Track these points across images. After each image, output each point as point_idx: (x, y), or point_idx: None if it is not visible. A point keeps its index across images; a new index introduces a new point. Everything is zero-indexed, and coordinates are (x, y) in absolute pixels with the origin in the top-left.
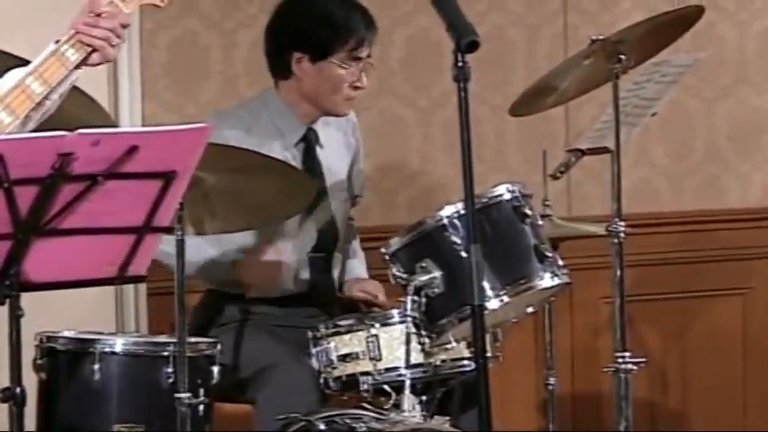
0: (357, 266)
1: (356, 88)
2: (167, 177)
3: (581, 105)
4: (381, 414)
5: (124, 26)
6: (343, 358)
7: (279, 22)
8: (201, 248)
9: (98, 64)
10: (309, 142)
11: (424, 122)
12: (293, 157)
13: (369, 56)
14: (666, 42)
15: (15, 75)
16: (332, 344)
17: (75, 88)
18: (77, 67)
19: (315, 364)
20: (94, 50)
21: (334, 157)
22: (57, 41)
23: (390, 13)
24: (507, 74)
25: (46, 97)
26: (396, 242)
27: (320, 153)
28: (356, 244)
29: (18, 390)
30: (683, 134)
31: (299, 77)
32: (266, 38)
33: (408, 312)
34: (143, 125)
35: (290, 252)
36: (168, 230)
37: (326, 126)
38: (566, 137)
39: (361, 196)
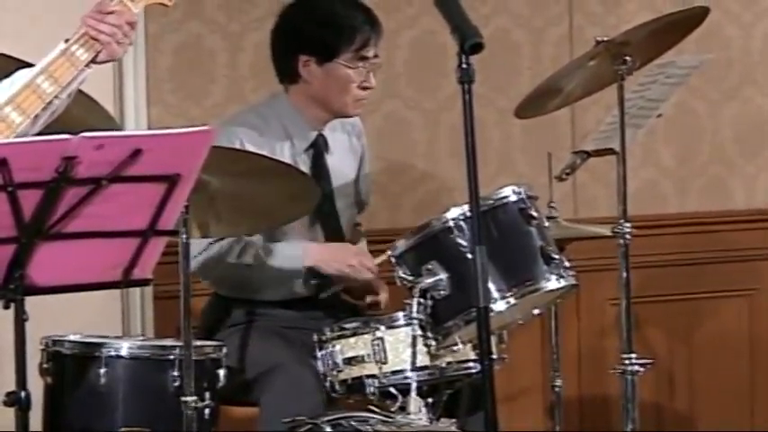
0: None
1: (365, 89)
2: (171, 180)
3: (586, 107)
4: (388, 417)
5: (131, 24)
6: (349, 361)
7: (284, 26)
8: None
9: (105, 62)
10: (318, 148)
11: (429, 125)
12: (303, 163)
13: (376, 56)
14: (672, 44)
15: (24, 74)
16: (337, 347)
17: (80, 92)
18: (87, 66)
19: (320, 367)
20: (102, 48)
21: (342, 162)
22: (66, 41)
23: (395, 16)
24: (512, 76)
25: (56, 96)
26: (402, 244)
27: (328, 158)
28: (363, 245)
29: (23, 394)
30: (688, 136)
31: (307, 81)
32: (272, 42)
33: (414, 315)
34: (149, 129)
35: None
36: (173, 234)
37: (333, 131)
38: (571, 139)
39: (368, 204)
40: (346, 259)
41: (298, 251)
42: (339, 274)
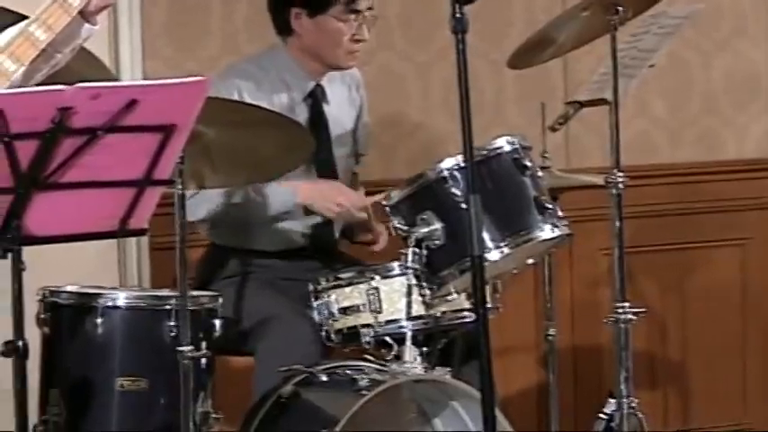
0: None
1: (357, 41)
2: (167, 131)
3: (579, 58)
4: (383, 366)
5: None
6: (345, 311)
7: None
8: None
9: (101, 8)
10: (317, 98)
11: (422, 77)
12: (301, 112)
13: (370, 8)
14: None
15: (17, 27)
16: (333, 296)
17: (81, 48)
18: (83, 14)
19: (316, 316)
20: None
21: (340, 112)
22: None
23: None
24: (505, 27)
25: (56, 50)
26: (396, 194)
27: (327, 108)
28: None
29: (20, 343)
30: (680, 87)
31: (299, 33)
32: None
33: (409, 264)
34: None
35: None
36: (168, 183)
37: (332, 82)
38: (564, 89)
39: (365, 154)
40: (334, 198)
41: (288, 189)
42: (328, 213)
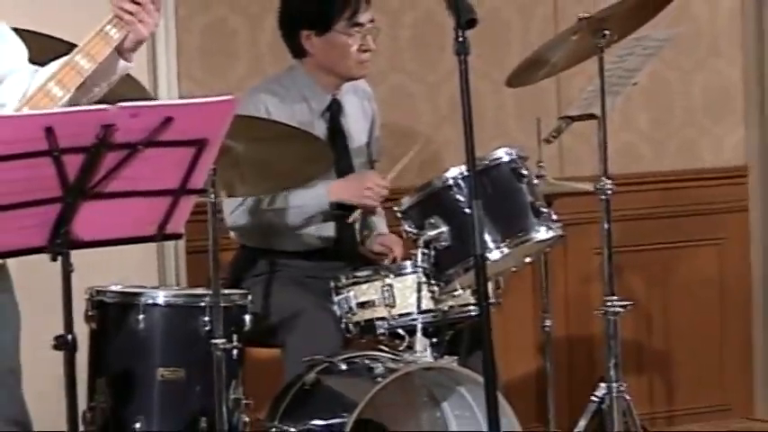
0: (378, 222)
1: (364, 51)
2: (200, 145)
3: (570, 77)
4: (396, 355)
5: (155, 2)
6: (362, 305)
7: (284, 8)
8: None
9: (136, 45)
10: (334, 111)
11: (431, 96)
12: (320, 125)
13: (372, 20)
14: (646, 19)
15: (63, 58)
16: (351, 293)
17: None
18: (120, 51)
19: (337, 311)
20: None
21: (356, 125)
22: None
23: None
24: (504, 51)
25: (95, 83)
26: (407, 201)
27: (343, 121)
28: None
29: (70, 337)
30: (662, 102)
31: (311, 53)
32: (279, 25)
33: (419, 263)
34: None
35: None
36: (201, 192)
37: (347, 96)
38: (557, 105)
39: (378, 161)
40: (364, 184)
41: (322, 190)
42: (362, 201)
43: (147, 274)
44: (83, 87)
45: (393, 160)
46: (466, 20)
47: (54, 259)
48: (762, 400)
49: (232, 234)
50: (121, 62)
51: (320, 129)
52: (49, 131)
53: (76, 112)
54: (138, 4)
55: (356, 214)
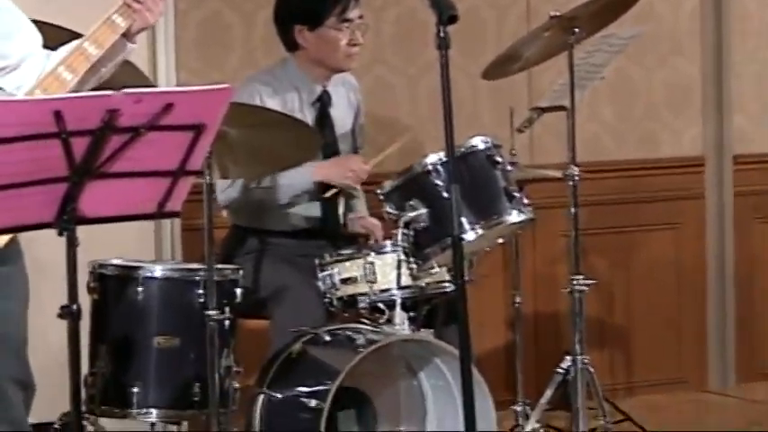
0: (359, 205)
1: (353, 45)
2: (198, 129)
3: (541, 71)
4: (376, 328)
5: None
6: (345, 281)
7: (278, 4)
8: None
9: (141, 29)
10: (323, 101)
11: (411, 87)
12: (310, 114)
13: (360, 16)
14: (613, 18)
15: (73, 43)
16: (335, 269)
17: (125, 61)
18: (129, 39)
19: (321, 286)
20: (136, 15)
21: (342, 114)
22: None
23: None
24: (480, 46)
25: (102, 65)
26: (388, 185)
27: (332, 111)
28: (358, 186)
29: (74, 307)
30: (626, 96)
31: (304, 46)
32: (274, 19)
33: (399, 243)
34: None
35: None
36: (199, 174)
37: (335, 87)
38: (529, 97)
39: (362, 148)
40: (348, 166)
41: (306, 169)
42: (343, 182)
43: (144, 249)
44: (91, 70)
45: (376, 147)
46: (447, 16)
47: (61, 234)
48: (714, 373)
49: (224, 213)
50: (128, 44)
51: (310, 117)
52: (58, 115)
53: (84, 98)
54: None
55: (333, 191)
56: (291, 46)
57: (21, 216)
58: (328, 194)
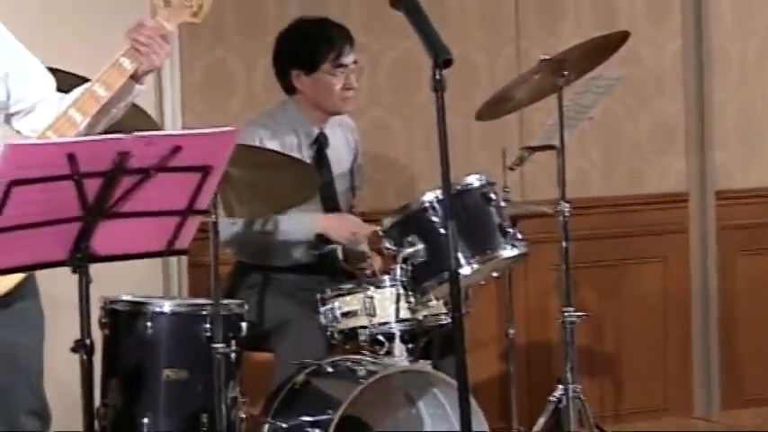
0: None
1: (348, 89)
2: (205, 170)
3: (532, 112)
4: (376, 359)
5: (163, 37)
6: (345, 315)
7: (277, 49)
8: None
9: (148, 71)
10: (320, 143)
11: (407, 127)
12: (308, 155)
13: (355, 62)
14: (600, 61)
15: (83, 87)
16: (336, 303)
17: (133, 105)
18: (134, 77)
19: (323, 320)
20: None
21: (340, 155)
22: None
23: (379, 39)
24: (472, 88)
25: (112, 106)
26: (388, 221)
27: (329, 152)
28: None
29: (87, 341)
30: (613, 134)
31: (301, 90)
32: (273, 65)
33: (398, 277)
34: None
35: None
36: (205, 213)
37: (333, 129)
38: (520, 137)
39: (360, 189)
40: (349, 228)
41: (311, 219)
42: (341, 240)
43: (153, 285)
44: (102, 111)
45: (373, 185)
46: (443, 60)
47: (75, 272)
48: (699, 401)
49: (228, 250)
50: (136, 86)
51: (308, 158)
52: (72, 158)
53: (96, 141)
54: (152, 37)
55: (333, 247)
56: (290, 90)
57: (36, 254)
58: (325, 250)
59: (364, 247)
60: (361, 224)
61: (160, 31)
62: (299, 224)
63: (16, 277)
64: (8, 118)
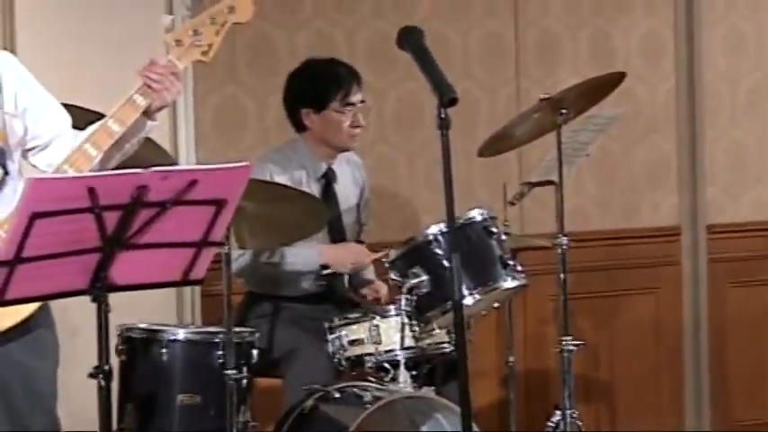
0: (366, 271)
1: (356, 126)
2: (219, 204)
3: (531, 148)
4: (382, 385)
5: (175, 74)
6: (352, 343)
7: (287, 89)
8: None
9: (160, 108)
10: (329, 178)
11: (411, 163)
12: (316, 190)
13: (362, 101)
14: (597, 100)
15: (98, 123)
16: (343, 332)
17: (147, 139)
18: (147, 113)
19: (330, 348)
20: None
21: (346, 190)
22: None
23: (385, 78)
24: (474, 126)
25: (126, 141)
26: (393, 253)
27: (336, 187)
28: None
29: (106, 367)
30: (608, 170)
31: (310, 128)
32: (283, 103)
33: (402, 307)
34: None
35: None
36: (220, 245)
37: (341, 165)
38: (519, 173)
39: (367, 224)
40: (350, 259)
41: (314, 251)
42: (343, 270)
43: (167, 313)
44: (116, 146)
45: (378, 219)
46: (448, 99)
47: (94, 301)
48: (691, 426)
49: (239, 281)
50: (148, 122)
51: (316, 192)
52: (92, 191)
53: (115, 176)
54: (163, 74)
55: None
56: (299, 127)
57: (57, 284)
58: (326, 272)
59: (370, 275)
60: (361, 253)
61: (172, 69)
62: (303, 255)
63: (34, 305)
64: (24, 153)
